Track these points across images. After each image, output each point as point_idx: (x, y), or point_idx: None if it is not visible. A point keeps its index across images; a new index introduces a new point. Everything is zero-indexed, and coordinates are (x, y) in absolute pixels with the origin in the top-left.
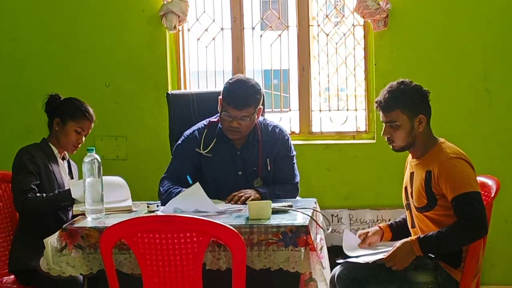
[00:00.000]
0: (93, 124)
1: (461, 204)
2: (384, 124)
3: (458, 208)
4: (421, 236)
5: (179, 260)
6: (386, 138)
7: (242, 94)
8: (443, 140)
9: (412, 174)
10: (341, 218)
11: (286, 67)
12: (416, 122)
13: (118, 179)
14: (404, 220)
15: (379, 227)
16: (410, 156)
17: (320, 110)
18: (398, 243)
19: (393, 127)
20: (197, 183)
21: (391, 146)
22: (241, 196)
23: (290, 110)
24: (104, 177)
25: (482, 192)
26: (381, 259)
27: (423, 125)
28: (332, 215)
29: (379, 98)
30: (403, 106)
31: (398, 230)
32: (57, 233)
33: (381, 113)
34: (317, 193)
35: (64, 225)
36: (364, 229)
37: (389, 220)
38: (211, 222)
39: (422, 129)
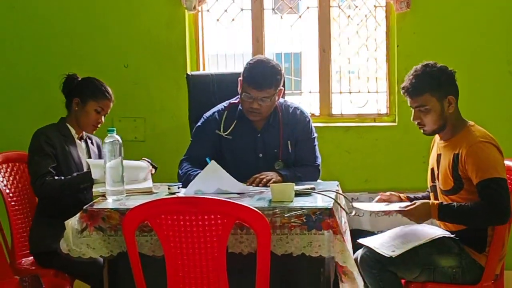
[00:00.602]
0: (112, 104)
1: (486, 188)
2: (412, 109)
3: (482, 193)
4: (443, 203)
5: (203, 243)
6: (416, 122)
7: (262, 74)
8: (473, 123)
9: (439, 156)
10: (361, 201)
11: (298, 51)
12: (446, 104)
13: (139, 162)
14: (424, 197)
15: (399, 196)
16: (437, 137)
17: (341, 92)
18: (419, 202)
19: (422, 111)
20: (213, 161)
21: (422, 131)
22: (263, 179)
23: (301, 93)
24: (125, 161)
25: (508, 175)
26: (397, 210)
27: (453, 106)
28: (352, 198)
29: (405, 84)
30: (432, 89)
31: None
32: (77, 214)
33: (408, 99)
34: (337, 176)
35: (84, 207)
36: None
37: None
38: (236, 204)
39: (452, 110)
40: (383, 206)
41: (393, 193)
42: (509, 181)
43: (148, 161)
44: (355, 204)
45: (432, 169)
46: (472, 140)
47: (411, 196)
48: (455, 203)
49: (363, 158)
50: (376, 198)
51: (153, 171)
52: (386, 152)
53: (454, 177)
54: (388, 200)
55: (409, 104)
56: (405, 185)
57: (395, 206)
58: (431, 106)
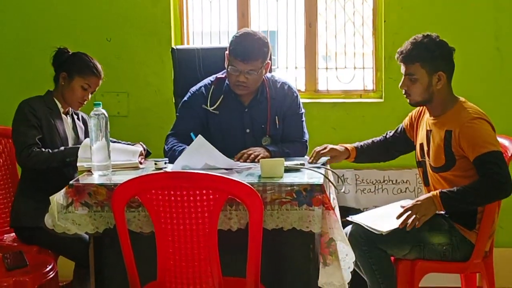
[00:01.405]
0: (100, 82)
1: (485, 163)
2: (403, 76)
3: (481, 167)
4: (443, 191)
5: (194, 218)
6: (403, 90)
7: (249, 46)
8: (464, 100)
9: (429, 132)
10: (347, 178)
11: (274, 29)
12: (434, 79)
13: (133, 147)
14: (373, 143)
15: (345, 147)
16: (426, 113)
17: (327, 68)
18: (421, 197)
19: (411, 80)
20: (199, 136)
21: (408, 100)
22: (251, 154)
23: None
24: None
25: None
26: (401, 213)
27: (442, 83)
28: (336, 174)
29: (401, 49)
30: (423, 60)
31: (363, 153)
32: (63, 190)
33: (401, 65)
34: None
35: (70, 182)
36: (370, 190)
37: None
38: (228, 179)
39: (440, 86)
40: (383, 214)
41: (328, 145)
42: None
43: (144, 147)
44: (353, 218)
45: (422, 145)
46: (465, 117)
47: (360, 145)
48: (454, 188)
49: (349, 134)
50: (314, 152)
51: (143, 155)
52: (373, 129)
53: (446, 154)
54: (327, 153)
55: (401, 71)
56: (391, 162)
57: (395, 208)
58: (418, 77)
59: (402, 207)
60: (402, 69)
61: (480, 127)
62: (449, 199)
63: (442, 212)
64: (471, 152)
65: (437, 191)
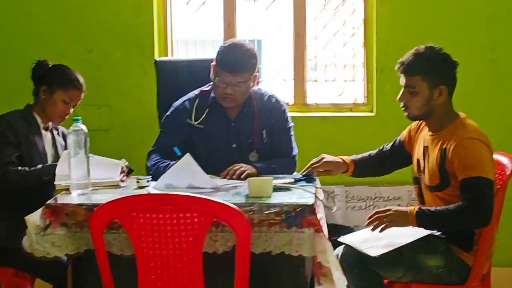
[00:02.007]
0: (83, 95)
1: (469, 187)
2: (402, 87)
3: (465, 191)
4: (421, 209)
5: (178, 243)
6: (401, 103)
7: (237, 58)
8: (464, 116)
9: (426, 148)
10: (337, 195)
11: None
12: (435, 93)
13: (114, 160)
14: (370, 157)
15: (343, 160)
16: (422, 127)
17: (316, 81)
18: (399, 208)
19: (410, 92)
20: (188, 154)
21: (405, 113)
22: (237, 170)
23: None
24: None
25: (497, 170)
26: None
27: (443, 97)
28: (327, 192)
29: (403, 59)
30: (425, 73)
31: (361, 166)
32: (39, 210)
33: (402, 76)
34: None
35: (47, 202)
36: (361, 207)
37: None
38: (214, 202)
39: (441, 101)
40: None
41: (325, 155)
42: (497, 175)
43: (126, 164)
44: (345, 239)
45: (418, 161)
46: (461, 135)
47: (358, 158)
48: (434, 207)
49: (339, 149)
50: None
51: (125, 172)
52: (364, 144)
53: (441, 173)
54: (322, 166)
55: (400, 82)
56: (383, 178)
57: (388, 247)
58: (419, 90)
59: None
60: (402, 80)
61: (475, 148)
62: (425, 220)
63: (438, 233)
64: (460, 173)
65: (416, 208)
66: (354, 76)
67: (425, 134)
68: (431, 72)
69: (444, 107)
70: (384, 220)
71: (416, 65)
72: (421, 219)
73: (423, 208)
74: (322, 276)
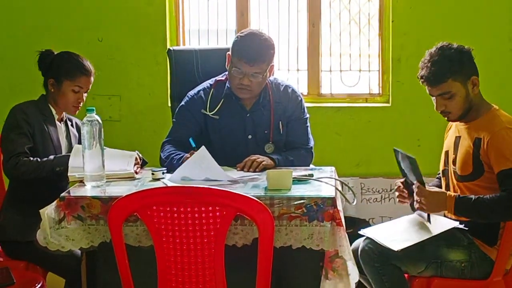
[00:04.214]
0: (92, 78)
1: (508, 178)
2: (434, 97)
3: (504, 182)
4: (460, 195)
5: (199, 237)
6: (440, 111)
7: (255, 48)
8: (497, 107)
9: (458, 138)
10: (352, 187)
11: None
12: (470, 86)
13: (127, 152)
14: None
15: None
16: (452, 124)
17: (331, 71)
18: (435, 189)
19: (447, 98)
20: (203, 147)
21: (446, 118)
22: (254, 161)
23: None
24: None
25: None
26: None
27: (477, 87)
28: (346, 184)
29: (424, 73)
30: (454, 73)
31: None
32: (54, 203)
33: (428, 87)
34: (327, 160)
35: (61, 194)
36: (376, 199)
37: None
38: (236, 195)
39: (477, 91)
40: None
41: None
42: None
43: (140, 156)
44: (365, 232)
45: (447, 152)
46: (497, 126)
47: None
48: (472, 196)
49: (354, 140)
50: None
51: (139, 163)
52: (379, 135)
53: (474, 163)
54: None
55: (428, 93)
56: (399, 170)
57: (409, 223)
58: (455, 91)
59: (419, 214)
60: (431, 91)
61: (510, 138)
62: (463, 205)
63: (461, 226)
64: (497, 164)
65: (455, 195)
66: (370, 66)
67: (458, 125)
68: (458, 70)
69: (479, 96)
70: (423, 202)
71: (440, 72)
72: (461, 205)
73: (462, 197)
74: (332, 270)
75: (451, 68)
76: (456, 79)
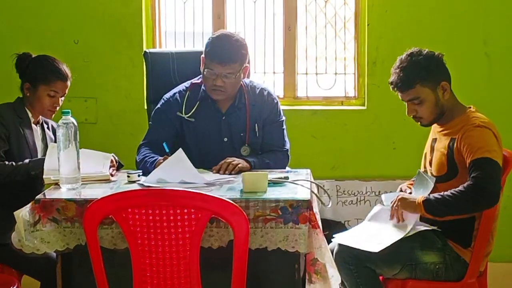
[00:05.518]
0: (69, 83)
1: (476, 167)
2: (406, 102)
3: (472, 171)
4: (427, 198)
5: (175, 239)
6: (411, 116)
7: (226, 48)
8: (474, 109)
9: (434, 140)
10: (328, 189)
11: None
12: (440, 91)
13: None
14: None
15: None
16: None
17: (306, 74)
18: (408, 197)
19: (416, 103)
20: (180, 150)
21: (419, 123)
22: (229, 163)
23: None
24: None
25: None
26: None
27: (448, 92)
28: (322, 187)
29: (393, 79)
30: (422, 79)
31: None
32: (28, 205)
33: (399, 93)
34: (303, 163)
35: (36, 197)
36: (352, 201)
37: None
38: (213, 198)
39: (447, 96)
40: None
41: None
42: None
43: (116, 158)
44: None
45: (425, 154)
46: (470, 124)
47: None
48: (440, 193)
49: (330, 143)
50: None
51: (115, 166)
52: (355, 138)
53: (448, 163)
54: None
55: (400, 99)
56: (374, 173)
57: (380, 224)
58: (424, 97)
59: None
60: (401, 96)
61: (484, 135)
62: (432, 206)
63: (435, 228)
64: (468, 157)
65: (422, 199)
66: (345, 69)
67: (434, 127)
68: (426, 76)
69: (451, 101)
70: (397, 209)
71: (408, 77)
72: (428, 206)
73: (430, 198)
74: (315, 273)
75: (419, 74)
76: (425, 85)
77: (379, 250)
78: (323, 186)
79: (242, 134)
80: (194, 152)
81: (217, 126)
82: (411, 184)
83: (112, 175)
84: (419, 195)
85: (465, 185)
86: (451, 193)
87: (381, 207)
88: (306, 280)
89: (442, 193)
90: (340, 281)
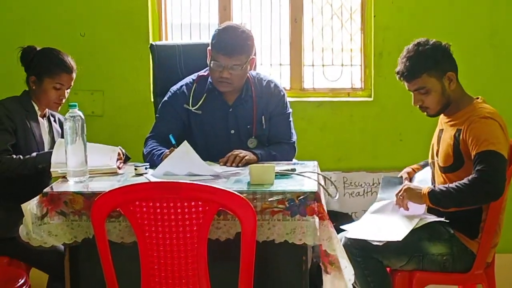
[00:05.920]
0: (74, 75)
1: (481, 160)
2: (412, 92)
3: (477, 165)
4: (433, 190)
5: (182, 232)
6: (418, 106)
7: (232, 40)
8: (481, 100)
9: (441, 131)
10: (335, 181)
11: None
12: (446, 81)
13: (110, 146)
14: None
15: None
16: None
17: (313, 65)
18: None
19: (423, 93)
20: (185, 142)
21: (425, 113)
22: (237, 155)
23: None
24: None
25: None
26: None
27: (454, 82)
28: (329, 178)
29: (400, 68)
30: (429, 69)
31: None
32: (36, 198)
33: (405, 83)
34: (309, 155)
35: (44, 190)
36: (359, 193)
37: None
38: (219, 189)
39: (453, 87)
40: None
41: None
42: None
43: (123, 151)
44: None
45: (433, 145)
46: (477, 115)
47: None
48: (445, 185)
49: (336, 135)
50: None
51: (122, 159)
52: (361, 129)
53: (455, 153)
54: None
55: (407, 88)
56: (381, 164)
57: (388, 215)
58: (430, 87)
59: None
60: (408, 86)
61: (490, 126)
62: (437, 198)
63: (443, 219)
64: (473, 149)
65: (427, 190)
66: (352, 60)
67: (441, 118)
68: (433, 66)
69: (457, 91)
70: (403, 199)
71: (415, 66)
72: (433, 198)
73: (435, 189)
74: (329, 264)
75: (426, 64)
76: (431, 75)
77: (402, 238)
78: (330, 178)
79: (249, 126)
80: (201, 145)
81: (224, 118)
82: (417, 168)
83: (119, 168)
84: (389, 197)
85: (469, 177)
86: (456, 185)
87: (382, 203)
88: (322, 271)
89: (447, 185)
90: (353, 272)
